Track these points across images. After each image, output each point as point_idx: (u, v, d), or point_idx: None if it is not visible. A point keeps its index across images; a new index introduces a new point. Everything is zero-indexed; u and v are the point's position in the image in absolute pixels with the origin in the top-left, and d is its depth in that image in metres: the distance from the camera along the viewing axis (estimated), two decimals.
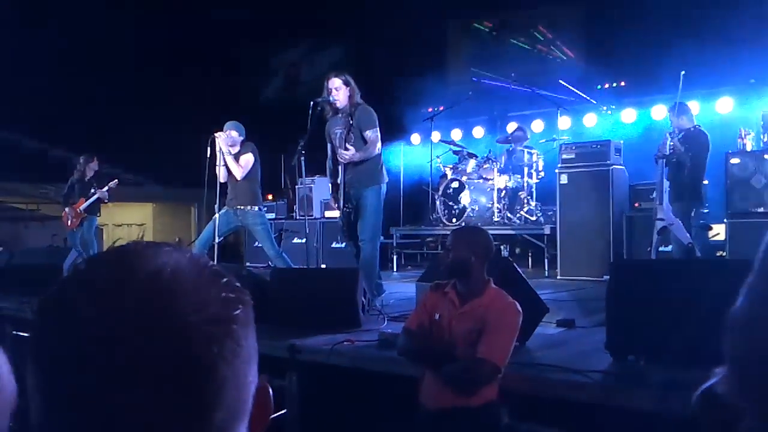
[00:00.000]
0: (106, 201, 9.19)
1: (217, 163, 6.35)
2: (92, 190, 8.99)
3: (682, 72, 6.14)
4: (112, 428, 0.54)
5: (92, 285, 0.59)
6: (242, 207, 6.39)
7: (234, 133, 6.39)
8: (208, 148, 6.25)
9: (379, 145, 5.61)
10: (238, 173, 6.34)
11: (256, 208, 6.45)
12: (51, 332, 0.58)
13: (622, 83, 10.42)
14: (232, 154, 6.37)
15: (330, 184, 5.94)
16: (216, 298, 0.60)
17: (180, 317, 0.56)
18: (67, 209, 9.10)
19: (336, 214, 6.35)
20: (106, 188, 8.98)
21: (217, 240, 6.26)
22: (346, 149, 5.48)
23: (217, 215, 6.36)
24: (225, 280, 0.63)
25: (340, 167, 5.65)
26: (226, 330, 0.58)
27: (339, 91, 5.54)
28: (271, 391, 0.66)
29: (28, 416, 0.61)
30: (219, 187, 6.43)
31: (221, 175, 6.41)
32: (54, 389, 0.57)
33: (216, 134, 6.29)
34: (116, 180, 9.15)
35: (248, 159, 6.38)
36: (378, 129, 5.59)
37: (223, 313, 0.59)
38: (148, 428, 0.55)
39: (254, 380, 0.63)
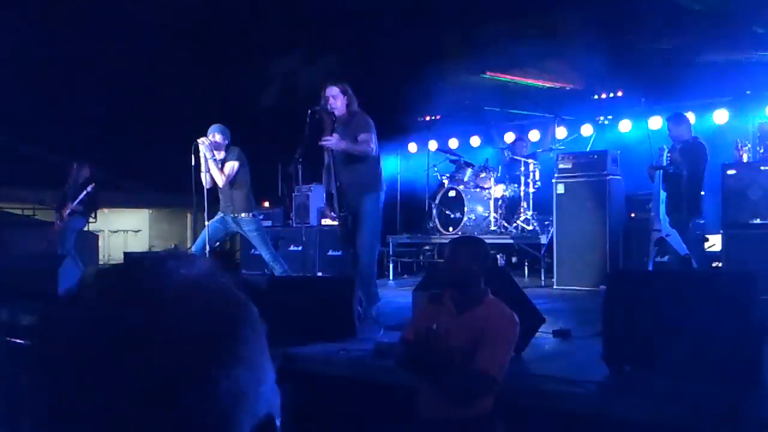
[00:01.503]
0: (97, 207, 9.17)
1: (202, 170, 6.27)
2: (82, 194, 8.98)
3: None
4: None
5: (73, 317, 0.58)
6: (236, 214, 6.36)
7: (218, 137, 6.29)
8: (192, 155, 6.18)
9: (373, 147, 5.47)
10: (221, 180, 6.27)
11: (251, 215, 6.42)
12: (38, 352, 0.58)
13: (619, 93, 10.45)
14: (217, 160, 6.28)
15: (325, 193, 5.90)
16: (193, 347, 0.56)
17: (145, 366, 0.54)
18: (56, 214, 9.12)
19: (333, 222, 6.32)
20: (84, 192, 8.94)
21: (208, 247, 6.21)
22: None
23: (207, 222, 6.32)
24: (218, 320, 0.59)
25: (333, 175, 5.59)
26: (196, 379, 0.55)
27: (336, 99, 5.50)
28: (278, 423, 0.63)
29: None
30: (206, 194, 6.32)
31: (206, 182, 6.31)
32: (34, 407, 0.56)
33: (199, 140, 6.19)
34: (93, 183, 9.07)
35: (233, 165, 6.30)
36: (373, 134, 5.47)
37: (195, 367, 0.56)
38: None
39: (247, 421, 0.59)
